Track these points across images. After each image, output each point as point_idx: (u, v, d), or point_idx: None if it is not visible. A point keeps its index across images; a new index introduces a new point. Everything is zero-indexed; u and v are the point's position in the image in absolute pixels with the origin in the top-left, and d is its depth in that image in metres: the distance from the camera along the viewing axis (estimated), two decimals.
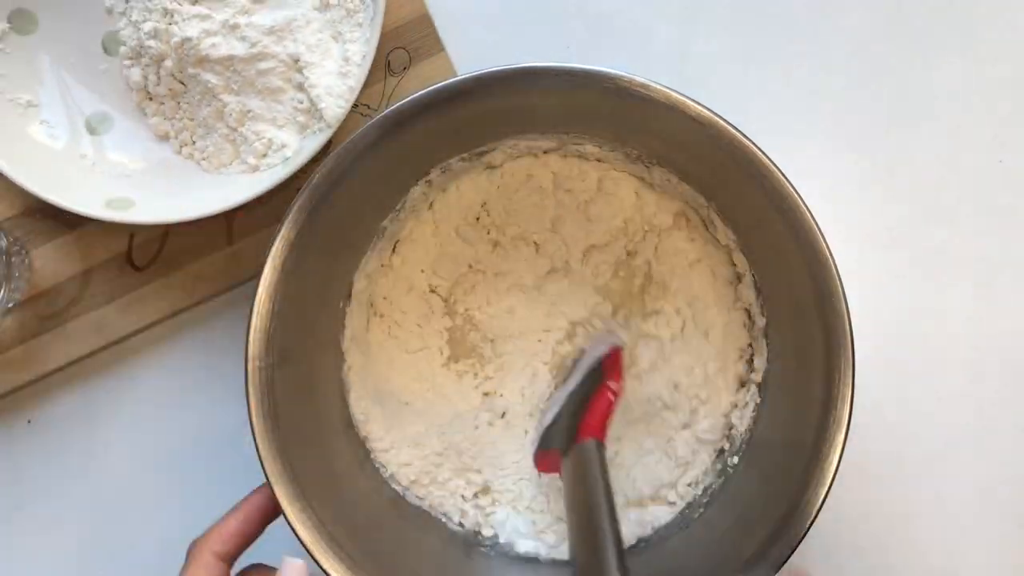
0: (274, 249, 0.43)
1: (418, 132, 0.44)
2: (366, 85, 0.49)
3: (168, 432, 0.54)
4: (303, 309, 0.45)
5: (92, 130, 0.52)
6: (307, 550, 0.42)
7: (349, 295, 0.49)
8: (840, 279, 0.42)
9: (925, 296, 0.54)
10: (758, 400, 0.49)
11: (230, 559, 0.43)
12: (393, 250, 0.52)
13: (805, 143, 0.54)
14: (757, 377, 0.49)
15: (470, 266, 0.53)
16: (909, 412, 0.54)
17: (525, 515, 0.52)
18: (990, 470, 0.53)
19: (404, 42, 0.53)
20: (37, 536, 0.54)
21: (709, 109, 0.42)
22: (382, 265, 0.51)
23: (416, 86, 0.51)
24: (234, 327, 0.53)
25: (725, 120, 0.42)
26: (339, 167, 0.43)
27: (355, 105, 0.49)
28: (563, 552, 0.50)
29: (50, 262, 0.53)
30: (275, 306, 0.43)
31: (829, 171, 0.55)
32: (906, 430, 0.53)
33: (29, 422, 0.54)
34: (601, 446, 0.44)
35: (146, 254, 0.53)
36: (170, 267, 0.53)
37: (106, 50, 0.52)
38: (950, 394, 0.54)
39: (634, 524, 0.50)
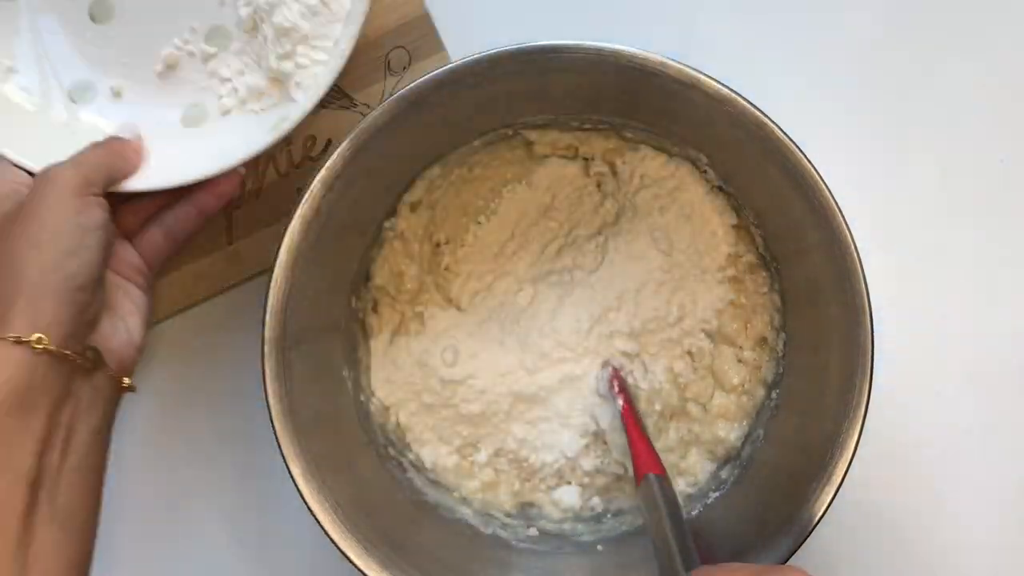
0: (291, 228, 0.43)
1: (434, 113, 0.44)
2: (366, 85, 0.49)
3: (168, 432, 0.54)
4: (319, 290, 0.45)
5: (74, 98, 0.51)
6: (323, 529, 0.43)
7: (367, 277, 0.49)
8: (860, 259, 0.42)
9: (924, 295, 0.54)
10: (772, 407, 0.49)
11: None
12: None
13: (805, 141, 0.54)
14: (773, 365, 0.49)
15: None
16: (908, 411, 0.53)
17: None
18: (990, 470, 0.53)
19: (404, 41, 0.53)
20: None
21: (727, 87, 0.42)
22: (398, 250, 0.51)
23: None
24: (234, 326, 0.53)
25: (744, 98, 0.42)
26: (359, 143, 0.43)
27: (355, 105, 0.49)
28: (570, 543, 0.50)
29: None
30: (291, 287, 0.43)
31: (829, 170, 0.55)
32: (905, 429, 0.53)
33: None
34: (660, 479, 0.44)
35: None
36: (170, 267, 0.53)
37: (93, 18, 0.51)
38: (950, 394, 0.54)
39: None
